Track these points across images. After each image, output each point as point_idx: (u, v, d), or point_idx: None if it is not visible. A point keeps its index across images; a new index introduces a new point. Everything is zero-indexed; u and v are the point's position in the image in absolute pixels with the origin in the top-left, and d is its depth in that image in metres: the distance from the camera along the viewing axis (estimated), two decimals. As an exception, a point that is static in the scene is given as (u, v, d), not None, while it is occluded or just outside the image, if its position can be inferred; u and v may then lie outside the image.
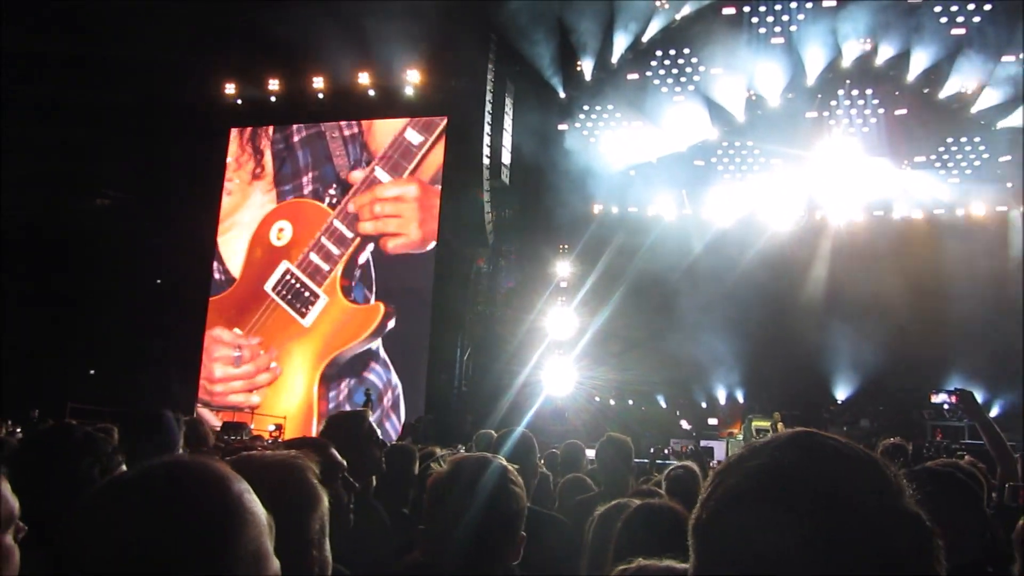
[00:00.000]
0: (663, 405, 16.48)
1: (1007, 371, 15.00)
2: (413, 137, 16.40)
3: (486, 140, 16.26)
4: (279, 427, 15.27)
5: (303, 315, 16.41)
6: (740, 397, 16.12)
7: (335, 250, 16.45)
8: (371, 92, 17.00)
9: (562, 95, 16.66)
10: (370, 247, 16.38)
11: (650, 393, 16.54)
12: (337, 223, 16.53)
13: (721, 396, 16.23)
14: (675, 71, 16.18)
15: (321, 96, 17.24)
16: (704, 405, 16.26)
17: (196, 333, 16.98)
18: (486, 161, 16.25)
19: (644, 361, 16.22)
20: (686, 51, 16.05)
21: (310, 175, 17.09)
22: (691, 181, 16.37)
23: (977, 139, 15.38)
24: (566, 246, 16.60)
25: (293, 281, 16.61)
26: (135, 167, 17.38)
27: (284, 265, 16.74)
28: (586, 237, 16.33)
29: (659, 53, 16.22)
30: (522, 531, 1.74)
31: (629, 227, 16.43)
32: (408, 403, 15.86)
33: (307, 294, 16.44)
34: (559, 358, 16.07)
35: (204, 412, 15.76)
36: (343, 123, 16.89)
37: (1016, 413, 15.14)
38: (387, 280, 16.17)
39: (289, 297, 16.56)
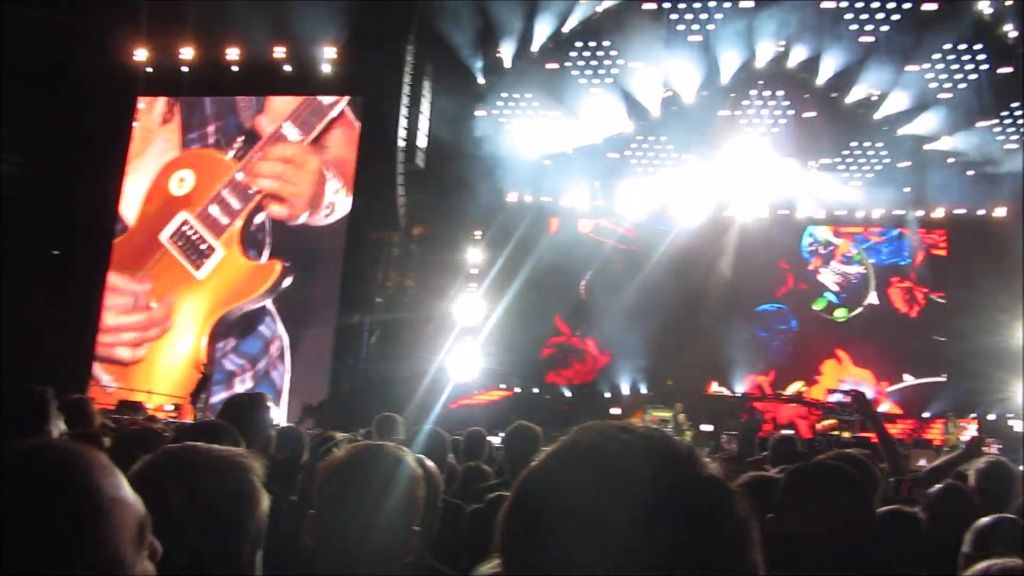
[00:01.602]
0: (567, 394, 16.63)
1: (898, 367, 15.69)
2: (325, 98, 16.13)
3: (402, 122, 16.12)
4: (178, 407, 14.95)
5: (197, 267, 16.03)
6: (643, 388, 16.38)
7: (236, 204, 16.07)
8: (286, 67, 16.65)
9: (481, 81, 16.57)
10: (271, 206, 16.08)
11: (555, 382, 16.70)
12: (240, 176, 16.14)
13: (625, 387, 16.47)
14: (594, 63, 16.23)
15: (235, 69, 16.80)
16: (608, 395, 16.46)
17: (94, 305, 16.45)
18: (401, 143, 16.11)
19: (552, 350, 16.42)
20: (606, 44, 16.10)
21: (214, 125, 16.65)
22: (605, 173, 16.52)
23: (880, 144, 15.82)
24: (479, 232, 16.59)
25: (190, 232, 16.18)
26: (38, 133, 16.70)
27: (183, 215, 16.29)
28: (499, 224, 16.36)
29: (579, 44, 16.24)
30: (416, 524, 1.68)
31: (542, 216, 16.53)
32: (311, 386, 15.66)
33: (203, 246, 16.04)
34: (467, 344, 16.08)
35: (99, 388, 15.33)
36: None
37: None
38: (286, 242, 15.86)
39: (185, 248, 16.14)
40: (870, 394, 15.11)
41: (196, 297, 16.00)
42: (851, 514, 1.95)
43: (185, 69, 16.95)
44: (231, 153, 16.42)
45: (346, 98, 16.09)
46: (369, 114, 16.18)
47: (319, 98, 16.20)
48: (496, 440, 7.69)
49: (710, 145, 15.93)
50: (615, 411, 16.17)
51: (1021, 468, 10.38)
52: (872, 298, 16.99)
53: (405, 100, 16.15)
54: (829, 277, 17.16)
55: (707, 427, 15.44)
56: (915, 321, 16.48)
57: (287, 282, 15.71)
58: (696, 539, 0.71)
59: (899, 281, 16.71)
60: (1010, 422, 15.02)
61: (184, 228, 16.22)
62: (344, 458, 1.68)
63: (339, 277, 15.95)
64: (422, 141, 16.43)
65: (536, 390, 16.55)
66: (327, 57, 16.46)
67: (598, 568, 0.69)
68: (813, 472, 2.11)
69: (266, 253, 15.99)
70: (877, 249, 16.93)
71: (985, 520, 2.49)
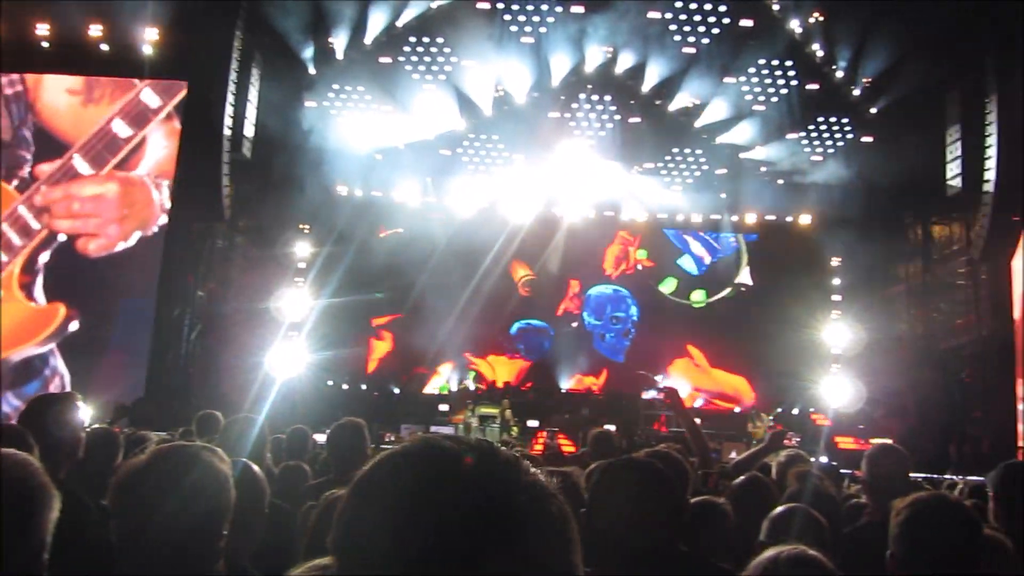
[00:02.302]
0: (395, 391, 16.55)
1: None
2: (121, 129, 15.15)
3: (228, 110, 15.52)
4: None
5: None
6: (471, 385, 16.50)
7: (16, 240, 14.59)
8: (103, 47, 15.73)
9: (312, 71, 16.19)
10: (59, 243, 14.65)
11: (383, 379, 16.58)
12: (23, 210, 14.66)
13: (453, 382, 16.54)
14: (427, 59, 16.15)
15: (46, 45, 15.72)
16: (435, 392, 16.49)
17: None
18: (227, 132, 15.51)
19: (379, 346, 16.29)
20: (439, 40, 16.05)
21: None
22: (436, 169, 16.52)
23: (699, 151, 16.55)
24: (307, 226, 16.22)
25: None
26: None
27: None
28: (328, 218, 16.07)
29: (413, 39, 16.11)
30: (225, 529, 1.60)
31: (372, 210, 16.37)
32: (128, 383, 14.85)
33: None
34: (292, 340, 15.72)
35: None
36: (3, 78, 15.38)
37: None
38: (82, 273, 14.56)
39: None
40: (684, 391, 15.82)
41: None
42: (658, 507, 2.00)
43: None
44: (15, 182, 14.69)
45: (158, 117, 15.21)
46: (194, 101, 15.51)
47: (112, 128, 15.11)
48: (321, 437, 7.53)
49: (540, 146, 16.18)
50: (443, 408, 16.22)
51: (822, 460, 11.00)
52: (745, 276, 17.52)
53: (231, 88, 15.55)
54: (687, 261, 17.51)
55: (533, 423, 15.70)
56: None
57: (73, 326, 14.43)
58: (515, 541, 0.72)
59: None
60: (811, 416, 16.02)
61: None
62: (144, 460, 1.60)
63: (158, 268, 15.23)
64: (249, 131, 15.87)
65: (364, 386, 16.37)
66: (149, 39, 15.66)
67: (425, 571, 0.69)
68: (622, 468, 2.14)
69: (52, 295, 14.46)
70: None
71: (779, 510, 2.66)
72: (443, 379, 16.79)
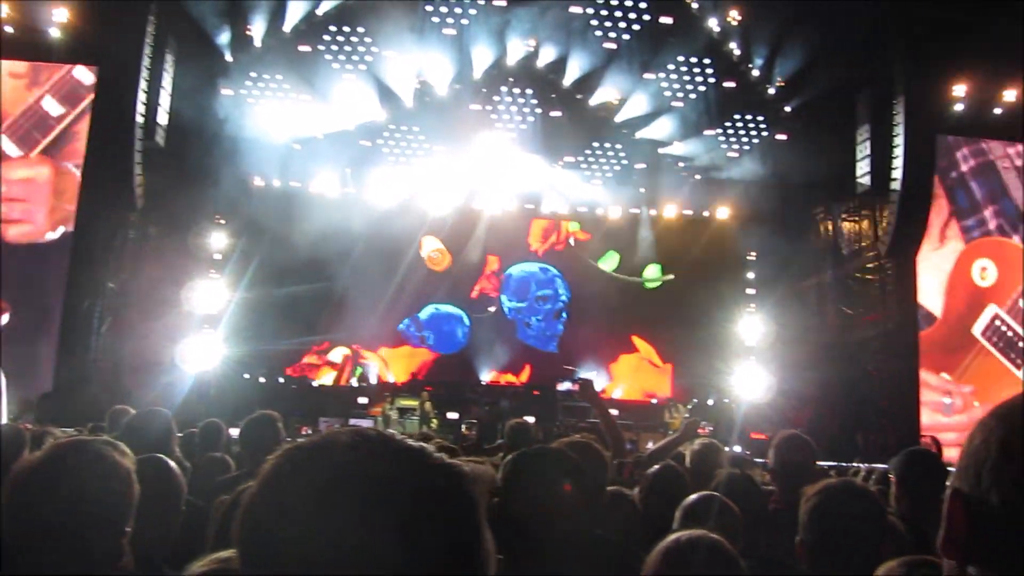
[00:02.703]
0: (314, 385, 16.43)
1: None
2: (52, 107, 14.71)
3: (141, 97, 15.10)
4: None
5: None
6: (390, 377, 16.47)
7: None
8: (8, 28, 15.15)
9: (229, 59, 15.86)
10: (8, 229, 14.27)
11: (302, 373, 16.45)
12: None
13: (372, 375, 16.50)
14: (348, 49, 15.95)
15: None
16: (355, 384, 16.42)
17: None
18: (139, 119, 15.10)
19: (297, 339, 16.14)
20: (360, 30, 15.86)
21: None
22: (356, 160, 16.38)
23: (619, 146, 16.74)
24: (223, 217, 15.93)
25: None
26: None
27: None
28: (244, 208, 15.81)
29: (333, 28, 15.88)
30: (128, 526, 1.56)
31: (290, 201, 16.17)
32: (34, 379, 14.39)
33: None
34: (207, 333, 15.45)
35: None
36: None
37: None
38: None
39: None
40: (599, 384, 16.06)
41: None
42: (570, 494, 2.03)
43: None
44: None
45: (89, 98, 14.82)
46: (105, 86, 15.07)
47: (43, 105, 14.66)
48: (236, 431, 7.41)
49: (461, 138, 16.15)
50: (362, 400, 16.17)
51: (735, 449, 11.15)
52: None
53: (145, 73, 15.13)
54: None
55: (453, 415, 15.79)
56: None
57: (4, 319, 14.03)
58: (425, 527, 0.72)
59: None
60: (725, 405, 16.42)
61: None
62: (39, 457, 1.56)
63: (66, 259, 14.80)
64: (163, 118, 15.48)
65: (281, 380, 16.20)
66: (57, 20, 15.14)
67: (329, 566, 0.69)
68: (533, 456, 2.16)
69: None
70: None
71: (691, 498, 2.71)
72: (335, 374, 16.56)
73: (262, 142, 15.54)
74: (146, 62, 15.09)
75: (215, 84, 15.66)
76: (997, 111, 16.15)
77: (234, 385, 15.48)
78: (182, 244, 15.78)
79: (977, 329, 15.93)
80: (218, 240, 15.82)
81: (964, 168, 16.19)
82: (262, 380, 15.97)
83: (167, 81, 15.55)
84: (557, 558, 1.94)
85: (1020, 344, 15.84)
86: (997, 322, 15.97)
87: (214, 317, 15.61)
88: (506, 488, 2.05)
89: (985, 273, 16.07)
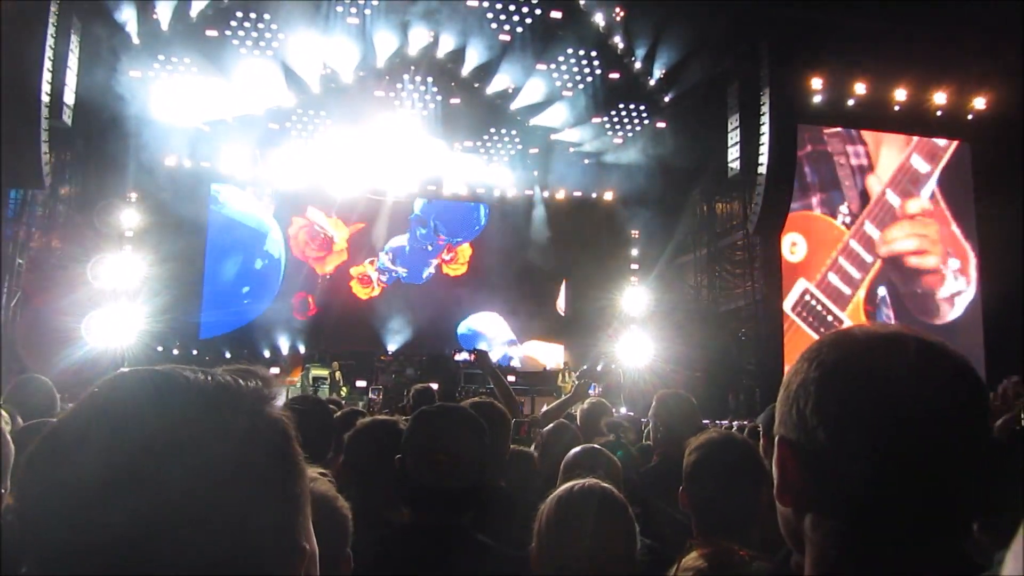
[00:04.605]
0: (227, 355, 17.04)
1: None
2: None
3: (46, 76, 15.33)
4: None
5: None
6: (301, 347, 17.26)
7: None
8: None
9: (136, 41, 16.20)
10: None
11: (216, 345, 17.04)
12: None
13: (284, 346, 17.22)
14: (255, 34, 16.44)
15: None
16: (267, 355, 17.11)
17: None
18: (45, 99, 15.33)
19: (211, 313, 16.70)
20: (266, 16, 16.39)
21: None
22: (265, 143, 16.98)
23: (514, 132, 17.87)
24: (134, 195, 16.30)
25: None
26: None
27: None
28: (154, 188, 16.21)
29: (239, 14, 16.36)
30: (2, 487, 1.57)
31: (199, 181, 16.65)
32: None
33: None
34: (121, 308, 15.84)
35: None
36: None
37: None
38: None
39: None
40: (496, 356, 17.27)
41: None
42: (467, 448, 2.05)
43: None
44: None
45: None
46: (10, 65, 15.17)
47: None
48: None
49: (366, 123, 16.91)
50: (274, 370, 16.85)
51: (622, 410, 12.37)
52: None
53: (49, 53, 15.35)
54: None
55: (362, 383, 16.63)
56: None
57: None
58: (240, 472, 0.67)
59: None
60: (612, 370, 17.76)
61: None
62: None
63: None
64: (70, 98, 15.72)
65: (195, 351, 16.74)
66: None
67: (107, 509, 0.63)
68: (433, 414, 2.15)
69: None
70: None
71: (574, 450, 2.82)
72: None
73: (171, 123, 15.95)
74: (50, 42, 15.30)
75: (124, 67, 15.92)
76: (850, 102, 17.73)
77: (146, 358, 15.92)
78: (91, 221, 16.06)
79: (787, 305, 17.33)
80: (129, 217, 16.14)
81: (800, 152, 17.47)
82: (175, 352, 16.44)
83: (73, 62, 15.76)
84: (455, 509, 1.97)
85: (829, 318, 17.44)
86: (807, 297, 17.44)
87: (126, 292, 15.97)
88: (407, 444, 2.05)
89: (795, 248, 17.48)
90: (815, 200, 17.99)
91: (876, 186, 18.27)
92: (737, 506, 2.08)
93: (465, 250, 18.95)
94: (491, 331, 18.62)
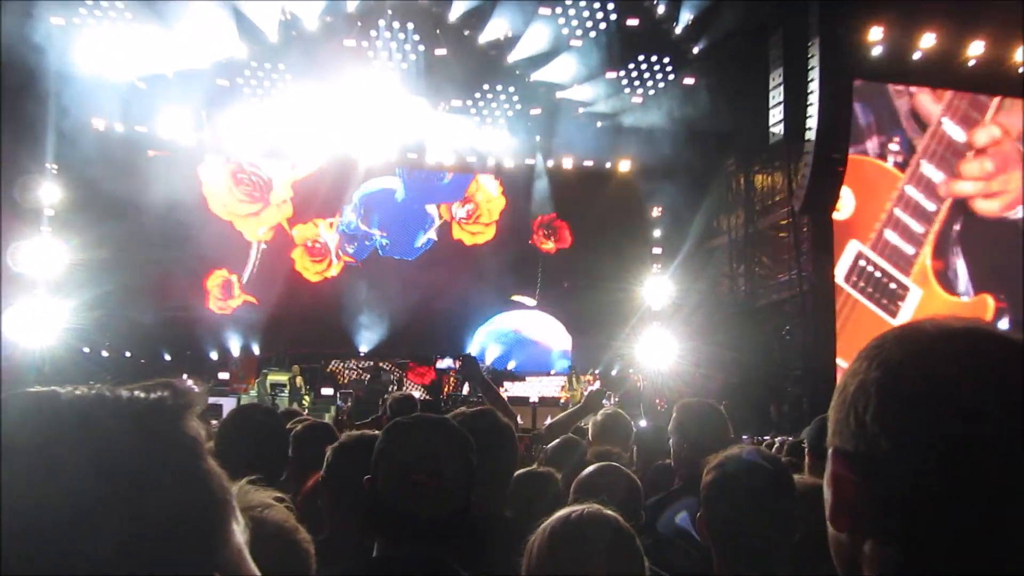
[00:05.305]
0: (167, 358, 14.90)
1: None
2: None
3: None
4: None
5: None
6: (256, 349, 15.03)
7: None
8: None
9: (58, -20, 13.94)
10: None
11: (154, 345, 14.93)
12: None
13: (235, 348, 15.03)
14: (201, -26, 14.20)
15: None
16: (215, 358, 14.99)
17: None
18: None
19: (148, 307, 14.50)
20: (216, -50, 14.12)
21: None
22: (212, 101, 15.01)
23: (512, 88, 15.89)
24: (55, 165, 14.12)
25: None
26: None
27: None
28: (80, 155, 14.05)
29: (182, -53, 14.10)
30: None
31: (134, 147, 14.52)
32: None
33: None
34: (39, 299, 13.65)
35: None
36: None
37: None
38: None
39: None
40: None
41: None
42: (448, 467, 1.84)
43: None
44: None
45: None
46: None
47: None
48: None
49: (334, 79, 14.82)
50: (223, 376, 14.73)
51: (642, 424, 9.90)
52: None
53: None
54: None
55: (327, 390, 14.65)
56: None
57: None
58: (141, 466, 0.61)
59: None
60: (630, 375, 15.71)
61: None
62: None
63: None
64: (-19, 50, 13.57)
65: (128, 353, 14.57)
66: None
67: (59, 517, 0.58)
68: (407, 428, 1.93)
69: None
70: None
71: (588, 469, 2.68)
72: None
73: (100, 80, 13.98)
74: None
75: (44, 13, 13.76)
76: (916, 56, 15.61)
77: (72, 359, 13.77)
78: (7, 197, 13.93)
79: (839, 274, 15.04)
80: (51, 192, 13.96)
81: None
82: (105, 353, 14.27)
83: (-17, 5, 13.63)
84: (435, 541, 1.76)
85: (892, 286, 14.99)
86: (862, 262, 15.13)
87: (49, 281, 13.84)
88: (378, 462, 1.82)
89: (840, 202, 14.87)
90: (870, 145, 15.63)
91: (931, 107, 15.80)
92: (762, 537, 1.92)
93: (496, 203, 16.39)
94: (545, 336, 16.52)
